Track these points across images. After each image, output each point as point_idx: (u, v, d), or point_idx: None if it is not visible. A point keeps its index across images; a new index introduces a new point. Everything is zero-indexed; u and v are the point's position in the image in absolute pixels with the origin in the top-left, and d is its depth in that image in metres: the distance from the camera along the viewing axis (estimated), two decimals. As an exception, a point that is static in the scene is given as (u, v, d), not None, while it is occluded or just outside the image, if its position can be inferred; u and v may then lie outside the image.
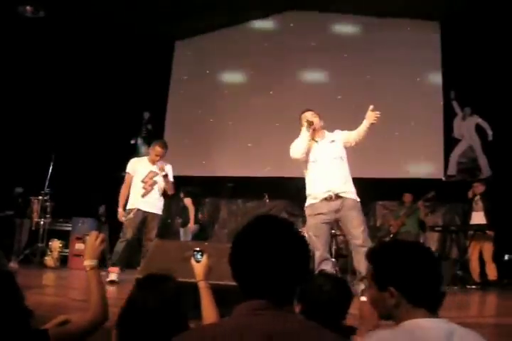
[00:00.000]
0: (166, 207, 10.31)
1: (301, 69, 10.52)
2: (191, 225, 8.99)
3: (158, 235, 8.98)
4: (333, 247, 7.96)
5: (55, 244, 8.29)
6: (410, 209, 8.80)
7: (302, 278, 1.44)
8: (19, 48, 9.07)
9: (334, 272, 4.77)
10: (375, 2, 9.74)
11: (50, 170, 8.38)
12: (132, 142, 10.90)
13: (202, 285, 2.46)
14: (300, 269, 1.42)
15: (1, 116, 9.14)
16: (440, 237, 9.24)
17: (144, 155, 6.83)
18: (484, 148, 9.40)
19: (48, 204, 8.51)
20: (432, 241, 9.32)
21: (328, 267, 4.67)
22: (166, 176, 6.29)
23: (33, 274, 6.95)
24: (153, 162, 6.35)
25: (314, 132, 5.03)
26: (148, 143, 10.70)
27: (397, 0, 9.58)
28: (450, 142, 9.60)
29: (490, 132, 9.35)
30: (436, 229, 8.95)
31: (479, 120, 9.50)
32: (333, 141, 5.03)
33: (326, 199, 4.79)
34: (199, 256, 2.57)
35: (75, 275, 7.28)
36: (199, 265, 2.54)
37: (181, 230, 9.01)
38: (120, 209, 6.17)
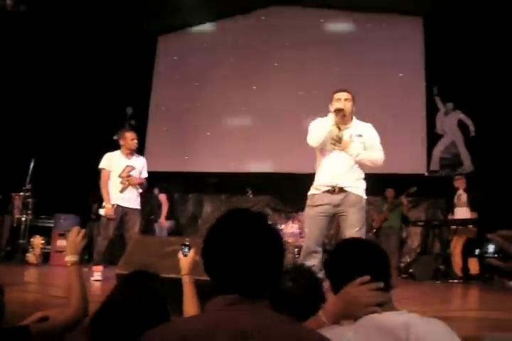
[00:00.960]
0: (149, 203, 10.36)
1: (282, 64, 10.48)
2: (163, 221, 8.99)
3: (141, 231, 8.98)
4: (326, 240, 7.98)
5: (37, 241, 8.21)
6: (393, 204, 8.86)
7: (276, 272, 1.42)
8: (-1, 43, 8.96)
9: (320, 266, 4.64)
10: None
11: (32, 166, 8.30)
12: (115, 138, 10.80)
13: (186, 280, 2.45)
14: (273, 264, 1.40)
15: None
16: (423, 232, 9.30)
17: None
18: (466, 144, 9.45)
19: (29, 200, 8.41)
20: (414, 235, 9.40)
21: (314, 261, 4.46)
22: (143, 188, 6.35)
23: (14, 271, 6.88)
24: (131, 153, 6.31)
25: (341, 118, 4.55)
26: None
27: (380, -5, 9.62)
28: (433, 137, 9.65)
29: (472, 127, 9.40)
30: (419, 223, 9.03)
31: (461, 115, 9.55)
32: (360, 135, 4.61)
33: (328, 191, 4.54)
34: (186, 250, 2.56)
35: (57, 272, 7.22)
36: (185, 259, 2.53)
37: (156, 226, 9.02)
38: (109, 205, 6.05)
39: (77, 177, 9.19)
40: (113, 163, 6.22)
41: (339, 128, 4.56)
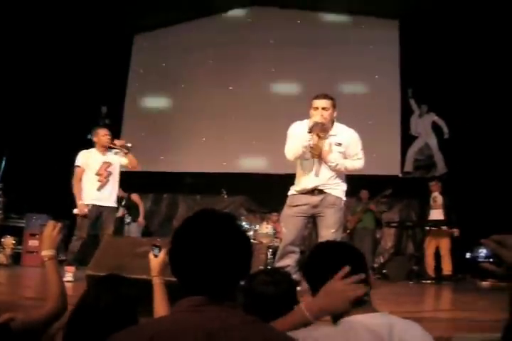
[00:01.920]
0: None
1: (260, 64, 10.47)
2: (141, 220, 8.95)
3: (115, 231, 8.88)
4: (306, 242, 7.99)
5: (8, 241, 8.07)
6: (367, 205, 8.90)
7: (243, 273, 1.41)
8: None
9: (296, 267, 4.63)
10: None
11: (3, 165, 8.17)
12: (89, 137, 10.68)
13: (156, 281, 2.42)
14: (241, 265, 1.38)
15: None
16: (396, 233, 9.37)
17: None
18: (440, 146, 9.56)
19: (0, 199, 8.29)
20: (388, 236, 9.47)
21: (290, 261, 4.51)
22: (129, 149, 6.15)
23: (-16, 272, 6.78)
24: (105, 149, 6.18)
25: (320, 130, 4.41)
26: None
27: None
28: (407, 139, 9.74)
29: (446, 130, 9.51)
30: (393, 225, 9.10)
31: (435, 118, 9.65)
32: (339, 144, 4.53)
33: (307, 192, 4.55)
34: (157, 251, 2.53)
35: (29, 273, 7.12)
36: (155, 260, 2.50)
37: (126, 226, 8.93)
38: (80, 202, 5.91)
39: (50, 177, 9.07)
40: (89, 161, 6.09)
41: (319, 136, 4.48)
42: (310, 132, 4.35)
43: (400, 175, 9.62)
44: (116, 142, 6.16)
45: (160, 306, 2.28)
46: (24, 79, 9.55)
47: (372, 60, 9.94)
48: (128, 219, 8.95)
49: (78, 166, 6.06)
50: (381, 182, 8.84)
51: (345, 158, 4.60)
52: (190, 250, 1.35)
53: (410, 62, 9.59)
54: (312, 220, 4.70)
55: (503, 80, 8.46)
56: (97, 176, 6.04)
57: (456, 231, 7.86)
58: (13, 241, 8.15)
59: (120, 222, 8.88)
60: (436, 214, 8.28)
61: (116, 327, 1.45)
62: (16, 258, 8.11)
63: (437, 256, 8.01)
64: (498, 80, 8.52)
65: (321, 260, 1.82)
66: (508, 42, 8.34)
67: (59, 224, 2.44)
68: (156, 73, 11.03)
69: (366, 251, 8.39)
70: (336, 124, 4.61)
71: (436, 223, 8.15)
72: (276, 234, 8.20)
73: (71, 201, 6.07)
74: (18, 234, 8.37)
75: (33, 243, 8.00)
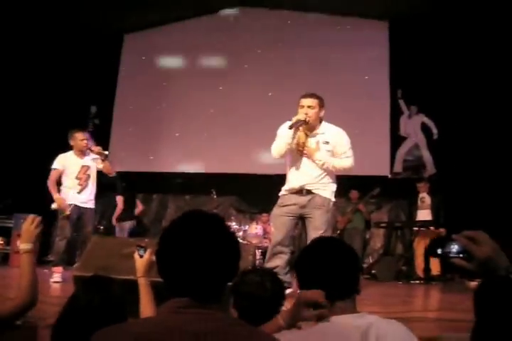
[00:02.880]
0: (113, 203, 10.24)
1: (249, 65, 10.48)
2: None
3: (105, 232, 8.90)
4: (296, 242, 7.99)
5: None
6: (357, 205, 8.92)
7: (230, 275, 1.40)
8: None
9: (287, 268, 4.64)
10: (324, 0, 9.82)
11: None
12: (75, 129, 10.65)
13: (142, 282, 2.41)
14: (228, 267, 1.38)
15: None
16: (385, 233, 9.38)
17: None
18: (429, 146, 9.59)
19: (-13, 200, 8.25)
20: (377, 237, 9.48)
21: (279, 262, 4.54)
22: (106, 156, 6.27)
23: (-29, 272, 6.72)
24: (82, 153, 6.29)
25: (309, 125, 4.55)
26: (95, 138, 10.53)
27: (346, -2, 9.70)
28: (396, 140, 9.76)
29: (435, 131, 9.54)
30: (382, 225, 9.11)
31: (425, 118, 9.68)
32: (327, 142, 4.61)
33: (296, 192, 4.61)
34: (142, 252, 2.53)
35: (16, 274, 7.05)
36: (140, 261, 2.50)
37: (117, 227, 8.93)
38: (57, 195, 6.07)
39: (38, 177, 9.01)
40: (67, 164, 6.25)
41: (306, 135, 4.55)
42: (290, 128, 4.43)
43: (390, 175, 9.64)
44: (94, 148, 6.26)
45: (146, 307, 2.27)
46: (13, 78, 9.49)
47: (361, 60, 9.96)
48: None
49: (55, 168, 6.23)
50: (371, 183, 8.87)
51: (334, 156, 4.63)
52: (177, 251, 1.34)
53: (400, 63, 9.61)
54: (301, 221, 4.73)
55: (492, 81, 8.50)
56: (77, 180, 6.20)
57: (442, 232, 7.88)
58: (1, 242, 8.11)
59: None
60: (424, 214, 8.33)
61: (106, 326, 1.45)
62: (4, 259, 8.07)
63: (426, 256, 8.03)
64: (487, 81, 8.56)
65: (313, 256, 1.82)
66: (497, 43, 8.38)
67: (38, 218, 2.46)
68: (146, 73, 11.00)
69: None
70: (324, 123, 4.68)
71: (425, 223, 8.20)
72: (265, 234, 8.20)
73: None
74: (6, 234, 8.33)
75: (21, 243, 7.94)
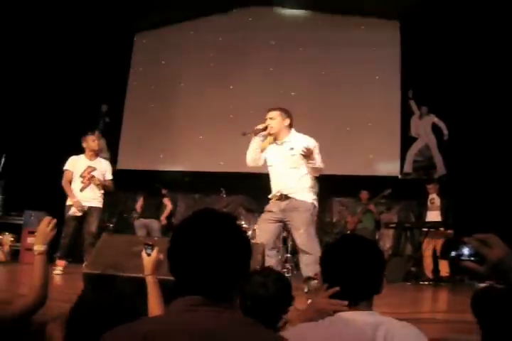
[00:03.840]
0: (123, 201, 10.28)
1: (259, 64, 10.46)
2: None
3: (114, 229, 8.94)
4: (290, 243, 7.99)
5: (6, 238, 8.09)
6: (367, 206, 8.90)
7: (241, 274, 1.41)
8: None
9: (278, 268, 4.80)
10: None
11: (2, 163, 8.17)
12: (89, 134, 10.69)
13: (150, 280, 2.43)
14: (239, 265, 1.38)
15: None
16: (395, 234, 9.36)
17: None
18: (440, 147, 9.55)
19: (-1, 196, 8.30)
20: (387, 237, 9.46)
21: (270, 263, 4.64)
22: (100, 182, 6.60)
23: (-18, 269, 6.78)
24: (94, 155, 6.69)
25: (273, 134, 5.01)
26: (106, 136, 10.59)
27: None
28: (407, 140, 9.73)
29: (446, 131, 9.50)
30: (391, 226, 9.08)
31: (435, 119, 9.64)
32: (292, 148, 4.93)
33: (278, 199, 4.93)
34: (149, 250, 2.54)
35: (27, 270, 7.08)
36: (148, 259, 2.51)
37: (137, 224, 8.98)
38: (75, 199, 6.40)
39: (49, 174, 9.06)
40: (76, 164, 6.61)
41: (275, 143, 5.04)
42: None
43: (400, 176, 9.61)
44: (97, 180, 6.59)
45: (154, 304, 2.29)
46: (25, 77, 9.54)
47: (372, 60, 9.93)
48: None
49: (66, 170, 6.60)
50: (381, 183, 8.86)
51: (303, 160, 4.86)
52: (189, 249, 1.35)
53: (411, 63, 9.58)
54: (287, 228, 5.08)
55: (503, 82, 8.45)
56: (80, 178, 6.56)
57: (450, 233, 7.86)
58: (12, 238, 8.16)
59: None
60: (433, 215, 8.30)
61: (118, 324, 1.45)
62: (14, 256, 8.11)
63: (435, 257, 8.01)
64: (498, 82, 8.50)
65: (339, 252, 1.81)
66: (509, 43, 8.33)
67: (54, 220, 2.50)
68: (156, 71, 11.03)
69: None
70: (293, 133, 5.07)
71: (434, 225, 8.16)
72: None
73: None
74: (17, 231, 8.38)
75: (31, 240, 7.96)
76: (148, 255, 2.52)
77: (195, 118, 10.58)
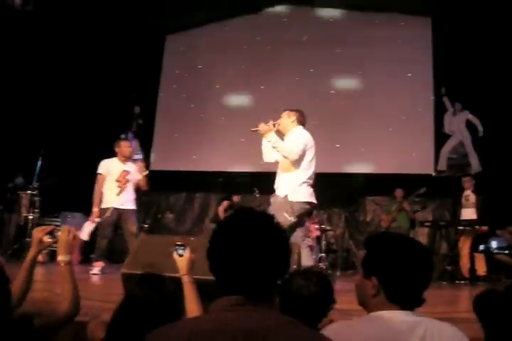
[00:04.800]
0: (156, 202, 10.38)
1: (292, 64, 10.43)
2: None
3: (149, 230, 9.06)
4: (323, 242, 7.97)
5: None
6: (401, 204, 8.82)
7: (281, 273, 1.41)
8: (7, 42, 8.96)
9: None
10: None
11: (39, 165, 8.31)
12: (122, 137, 10.82)
13: (186, 280, 2.45)
14: (278, 264, 1.39)
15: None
16: (430, 232, 9.25)
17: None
18: (474, 144, 9.42)
19: (36, 198, 8.43)
20: (421, 236, 9.33)
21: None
22: (145, 175, 6.88)
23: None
24: (126, 159, 6.90)
25: (280, 131, 5.44)
26: (139, 138, 10.71)
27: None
28: (440, 138, 9.61)
29: (480, 128, 9.36)
30: (426, 224, 8.97)
31: (470, 116, 9.51)
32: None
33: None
34: (181, 251, 2.56)
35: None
36: (182, 259, 2.53)
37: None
38: (96, 209, 6.63)
39: (84, 176, 9.20)
40: (110, 169, 6.80)
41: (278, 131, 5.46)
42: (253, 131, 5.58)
43: (434, 173, 9.50)
44: (138, 164, 7.02)
45: (191, 304, 2.30)
46: (60, 80, 9.72)
47: (405, 57, 9.83)
48: None
49: (100, 174, 6.80)
50: (415, 181, 8.78)
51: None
52: (229, 249, 1.36)
53: (444, 60, 9.46)
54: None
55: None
56: (116, 182, 6.74)
57: (485, 230, 7.74)
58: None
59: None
60: (469, 213, 8.16)
61: (162, 324, 1.48)
62: (51, 256, 8.25)
63: (472, 256, 7.89)
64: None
65: (387, 249, 1.72)
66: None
67: (73, 229, 2.47)
68: (188, 73, 11.09)
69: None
70: (295, 129, 5.46)
71: (470, 223, 8.04)
72: (308, 233, 8.18)
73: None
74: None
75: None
76: (180, 255, 2.54)
77: (227, 118, 10.60)
